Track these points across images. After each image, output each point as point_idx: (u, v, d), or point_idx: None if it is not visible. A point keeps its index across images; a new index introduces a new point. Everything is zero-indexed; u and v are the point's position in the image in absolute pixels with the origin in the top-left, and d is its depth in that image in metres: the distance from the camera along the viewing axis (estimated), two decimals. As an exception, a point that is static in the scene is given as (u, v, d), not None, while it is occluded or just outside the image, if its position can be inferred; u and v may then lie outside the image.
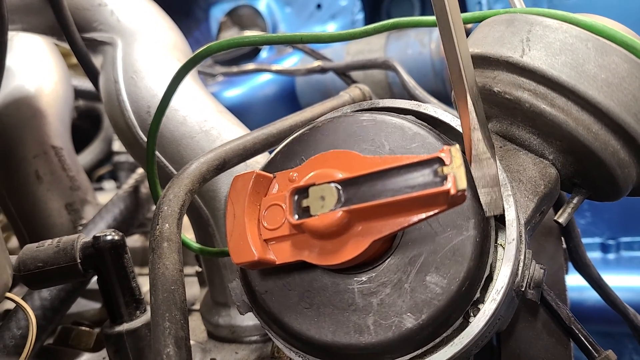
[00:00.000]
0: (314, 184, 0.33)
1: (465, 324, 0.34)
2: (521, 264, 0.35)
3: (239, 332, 0.55)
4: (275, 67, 0.89)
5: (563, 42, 0.34)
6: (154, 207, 0.75)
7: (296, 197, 0.33)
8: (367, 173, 0.31)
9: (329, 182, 0.32)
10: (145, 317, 0.50)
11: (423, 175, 0.30)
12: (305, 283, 0.36)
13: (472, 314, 0.34)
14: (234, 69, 0.98)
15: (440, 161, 0.29)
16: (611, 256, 1.06)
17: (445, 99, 0.91)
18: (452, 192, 0.28)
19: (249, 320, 0.55)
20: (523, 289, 0.36)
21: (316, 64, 0.75)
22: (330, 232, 0.32)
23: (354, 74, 0.80)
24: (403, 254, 0.35)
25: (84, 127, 1.34)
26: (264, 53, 1.26)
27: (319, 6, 1.29)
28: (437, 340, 0.34)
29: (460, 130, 0.36)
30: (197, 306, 0.66)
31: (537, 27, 0.35)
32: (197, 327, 0.61)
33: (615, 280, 0.94)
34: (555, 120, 0.35)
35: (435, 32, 0.91)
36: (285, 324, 0.36)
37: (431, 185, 0.29)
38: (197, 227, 0.57)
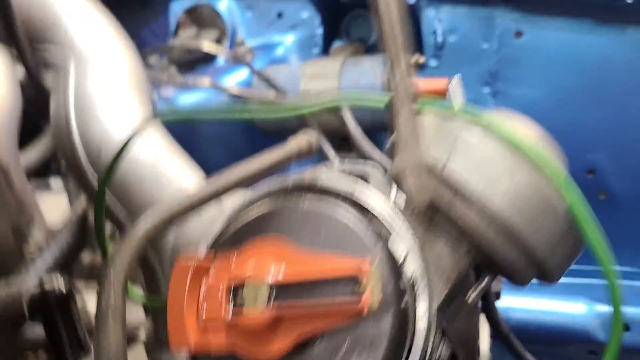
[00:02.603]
0: (249, 282, 0.36)
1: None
2: (428, 352, 0.40)
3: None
4: (232, 89, 0.91)
5: (481, 159, 0.39)
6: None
7: (231, 291, 0.37)
8: (295, 282, 0.35)
9: (262, 283, 0.36)
10: (90, 361, 0.52)
11: (342, 289, 0.34)
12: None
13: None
14: (189, 81, 0.99)
15: (356, 280, 0.34)
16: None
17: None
18: (365, 309, 0.33)
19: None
20: (431, 368, 0.41)
21: (273, 96, 0.78)
22: (261, 330, 0.36)
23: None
24: (329, 342, 0.39)
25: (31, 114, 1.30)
26: (221, 59, 1.27)
27: (279, 15, 1.30)
28: None
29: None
30: (141, 331, 0.69)
31: (460, 141, 0.39)
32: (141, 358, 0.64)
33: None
34: (467, 227, 0.40)
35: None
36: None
37: (349, 300, 0.33)
38: (144, 271, 0.60)
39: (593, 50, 1.01)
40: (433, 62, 1.08)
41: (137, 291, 0.54)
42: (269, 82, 0.83)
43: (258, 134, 1.09)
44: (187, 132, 1.05)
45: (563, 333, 1.07)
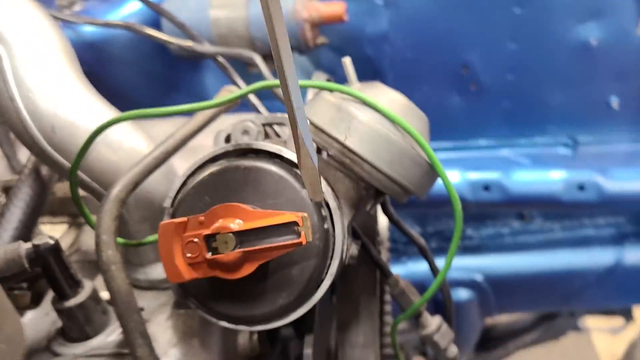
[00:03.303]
0: (218, 233, 0.51)
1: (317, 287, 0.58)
2: (344, 254, 0.59)
3: (156, 283, 0.75)
4: (147, 30, 0.92)
5: (368, 133, 0.54)
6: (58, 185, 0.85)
7: (208, 241, 0.52)
8: (252, 228, 0.51)
9: (229, 233, 0.51)
10: (85, 292, 0.66)
11: (286, 232, 0.51)
12: (218, 283, 0.56)
13: (321, 283, 0.58)
14: (100, 20, 0.97)
15: (295, 224, 0.50)
16: None
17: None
18: (303, 243, 0.50)
19: (162, 274, 0.75)
20: (346, 262, 0.61)
21: (189, 43, 0.83)
22: (233, 263, 0.52)
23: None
24: (280, 260, 0.56)
25: None
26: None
27: None
28: (302, 304, 0.58)
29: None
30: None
31: (355, 121, 0.54)
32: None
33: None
34: (363, 177, 0.57)
35: None
36: (207, 304, 0.57)
37: (291, 238, 0.50)
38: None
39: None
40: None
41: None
42: (175, 22, 0.86)
43: (171, 57, 1.13)
44: (103, 57, 1.07)
45: (443, 196, 1.36)
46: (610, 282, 1.48)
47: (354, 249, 0.62)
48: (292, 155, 0.58)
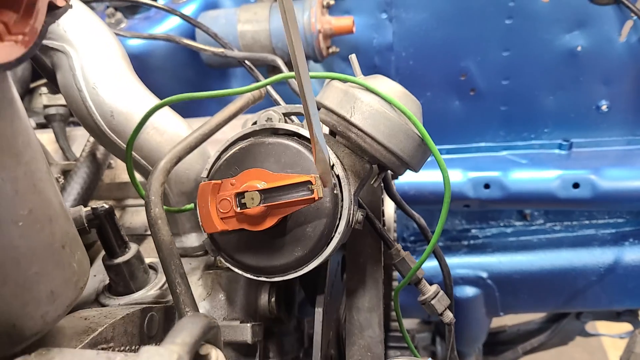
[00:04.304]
0: (247, 191, 0.63)
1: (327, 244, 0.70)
2: (351, 217, 0.71)
3: (189, 251, 0.87)
4: (185, 40, 1.06)
5: (370, 111, 0.66)
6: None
7: (237, 198, 0.64)
8: (274, 186, 0.63)
9: (255, 190, 0.63)
10: (131, 252, 0.78)
11: (302, 189, 0.62)
12: (244, 237, 0.68)
13: (331, 240, 0.70)
14: (144, 34, 1.13)
15: (309, 182, 0.62)
16: None
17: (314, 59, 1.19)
18: (316, 198, 0.61)
19: (195, 242, 0.87)
20: (352, 225, 0.73)
21: (220, 49, 0.97)
22: (258, 216, 0.64)
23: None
24: (297, 215, 0.68)
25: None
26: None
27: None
28: (315, 257, 0.69)
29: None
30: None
31: (358, 102, 0.66)
32: (155, 248, 0.91)
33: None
34: (366, 149, 0.69)
35: (308, 9, 1.15)
36: (234, 257, 0.69)
37: (306, 194, 0.62)
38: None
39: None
40: (340, -5, 1.29)
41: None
42: (209, 33, 1.00)
43: (203, 66, 1.27)
44: (145, 66, 1.22)
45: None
46: (612, 282, 1.54)
47: (359, 216, 0.73)
48: (307, 134, 0.70)
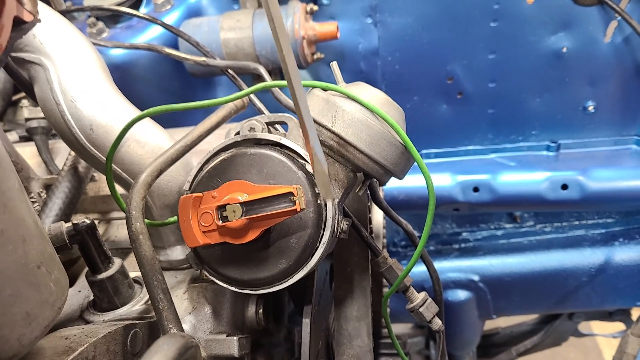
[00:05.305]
0: (228, 204, 0.62)
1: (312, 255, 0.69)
2: (336, 226, 0.70)
3: (175, 264, 0.86)
4: (167, 49, 1.05)
5: (351, 120, 0.66)
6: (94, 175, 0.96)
7: (219, 211, 0.63)
8: (256, 199, 0.62)
9: (237, 203, 0.62)
10: (115, 267, 0.77)
11: (284, 201, 0.61)
12: (227, 250, 0.67)
13: (316, 251, 0.69)
14: (126, 43, 1.11)
15: (291, 194, 0.61)
16: None
17: (299, 66, 1.17)
18: (298, 210, 0.61)
19: (180, 255, 0.86)
20: (337, 235, 0.72)
21: (203, 58, 0.96)
22: (240, 229, 0.63)
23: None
24: (280, 228, 0.67)
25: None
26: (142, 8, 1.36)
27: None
28: (300, 269, 0.68)
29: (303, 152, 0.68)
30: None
31: (339, 110, 0.66)
32: (140, 261, 0.90)
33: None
34: (349, 158, 0.68)
35: (291, 16, 1.14)
36: (218, 270, 0.68)
37: (288, 206, 0.61)
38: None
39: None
40: (326, 0, 1.29)
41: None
42: (190, 42, 0.99)
43: (187, 76, 1.26)
44: (128, 76, 1.21)
45: (437, 198, 1.47)
46: (603, 282, 1.54)
47: (344, 225, 0.73)
48: (290, 144, 0.69)
